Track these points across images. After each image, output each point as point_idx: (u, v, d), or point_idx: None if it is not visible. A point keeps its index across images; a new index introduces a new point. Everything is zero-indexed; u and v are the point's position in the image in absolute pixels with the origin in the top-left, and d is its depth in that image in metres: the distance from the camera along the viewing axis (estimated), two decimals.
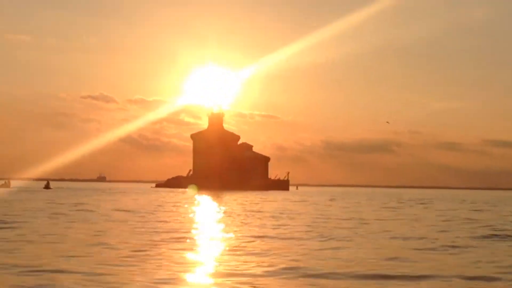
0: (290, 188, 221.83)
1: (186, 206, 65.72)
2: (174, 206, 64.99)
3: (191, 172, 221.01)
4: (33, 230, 31.37)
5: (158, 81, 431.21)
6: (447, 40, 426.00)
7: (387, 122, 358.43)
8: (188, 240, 27.69)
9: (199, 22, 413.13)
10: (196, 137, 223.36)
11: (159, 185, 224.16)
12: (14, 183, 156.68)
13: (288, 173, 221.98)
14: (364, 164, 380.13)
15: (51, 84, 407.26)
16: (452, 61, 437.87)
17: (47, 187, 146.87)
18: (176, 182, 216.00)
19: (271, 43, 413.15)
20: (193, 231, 33.09)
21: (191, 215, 48.49)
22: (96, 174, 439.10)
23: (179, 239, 27.88)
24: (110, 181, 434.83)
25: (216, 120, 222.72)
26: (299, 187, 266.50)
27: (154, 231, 31.89)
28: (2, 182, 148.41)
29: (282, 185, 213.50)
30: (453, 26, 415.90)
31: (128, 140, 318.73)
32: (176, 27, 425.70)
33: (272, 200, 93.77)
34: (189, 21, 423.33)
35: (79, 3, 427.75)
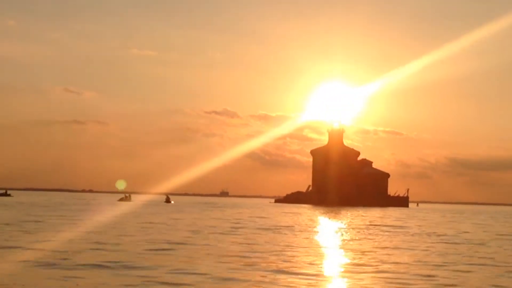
0: (410, 205, 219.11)
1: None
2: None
3: (310, 188, 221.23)
4: None
5: (282, 96, 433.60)
6: None
7: None
8: None
9: (324, 37, 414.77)
10: (315, 153, 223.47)
11: (278, 200, 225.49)
12: (135, 198, 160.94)
13: (408, 190, 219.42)
14: (490, 182, 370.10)
15: (176, 100, 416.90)
16: None
17: (167, 201, 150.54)
18: (294, 198, 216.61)
19: (397, 58, 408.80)
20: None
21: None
22: (219, 189, 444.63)
23: None
24: (232, 196, 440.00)
25: (336, 136, 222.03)
26: (419, 204, 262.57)
27: None
28: (123, 196, 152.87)
29: (401, 201, 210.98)
30: None
31: (251, 156, 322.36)
32: (300, 42, 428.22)
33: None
34: (314, 36, 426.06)
35: (204, 20, 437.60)
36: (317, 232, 48.71)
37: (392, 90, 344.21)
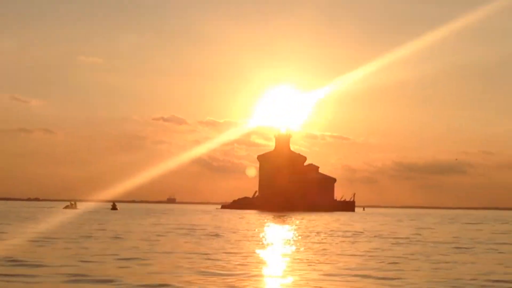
0: (356, 209, 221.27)
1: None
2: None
3: (257, 193, 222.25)
4: None
5: (229, 102, 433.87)
6: None
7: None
8: None
9: (272, 43, 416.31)
10: (262, 159, 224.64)
11: (224, 206, 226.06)
12: (80, 205, 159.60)
13: (354, 194, 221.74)
14: (437, 185, 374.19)
15: (123, 107, 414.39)
16: None
17: (113, 208, 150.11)
18: (241, 204, 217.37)
19: (345, 63, 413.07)
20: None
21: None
22: (166, 196, 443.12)
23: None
24: (179, 203, 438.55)
25: (283, 142, 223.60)
26: (366, 209, 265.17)
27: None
28: (68, 203, 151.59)
29: (348, 206, 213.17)
30: None
31: (198, 162, 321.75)
32: (248, 47, 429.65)
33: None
34: (261, 41, 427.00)
35: (151, 26, 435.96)
36: (264, 238, 49.33)
37: (340, 95, 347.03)
